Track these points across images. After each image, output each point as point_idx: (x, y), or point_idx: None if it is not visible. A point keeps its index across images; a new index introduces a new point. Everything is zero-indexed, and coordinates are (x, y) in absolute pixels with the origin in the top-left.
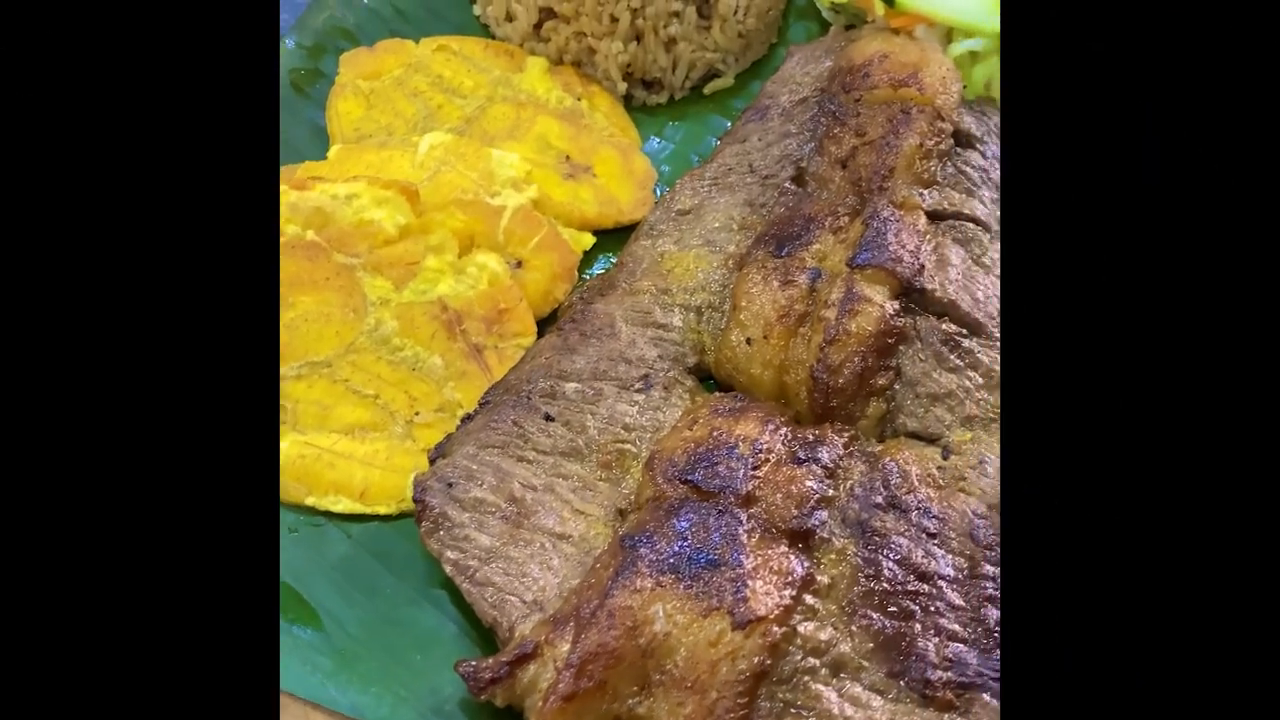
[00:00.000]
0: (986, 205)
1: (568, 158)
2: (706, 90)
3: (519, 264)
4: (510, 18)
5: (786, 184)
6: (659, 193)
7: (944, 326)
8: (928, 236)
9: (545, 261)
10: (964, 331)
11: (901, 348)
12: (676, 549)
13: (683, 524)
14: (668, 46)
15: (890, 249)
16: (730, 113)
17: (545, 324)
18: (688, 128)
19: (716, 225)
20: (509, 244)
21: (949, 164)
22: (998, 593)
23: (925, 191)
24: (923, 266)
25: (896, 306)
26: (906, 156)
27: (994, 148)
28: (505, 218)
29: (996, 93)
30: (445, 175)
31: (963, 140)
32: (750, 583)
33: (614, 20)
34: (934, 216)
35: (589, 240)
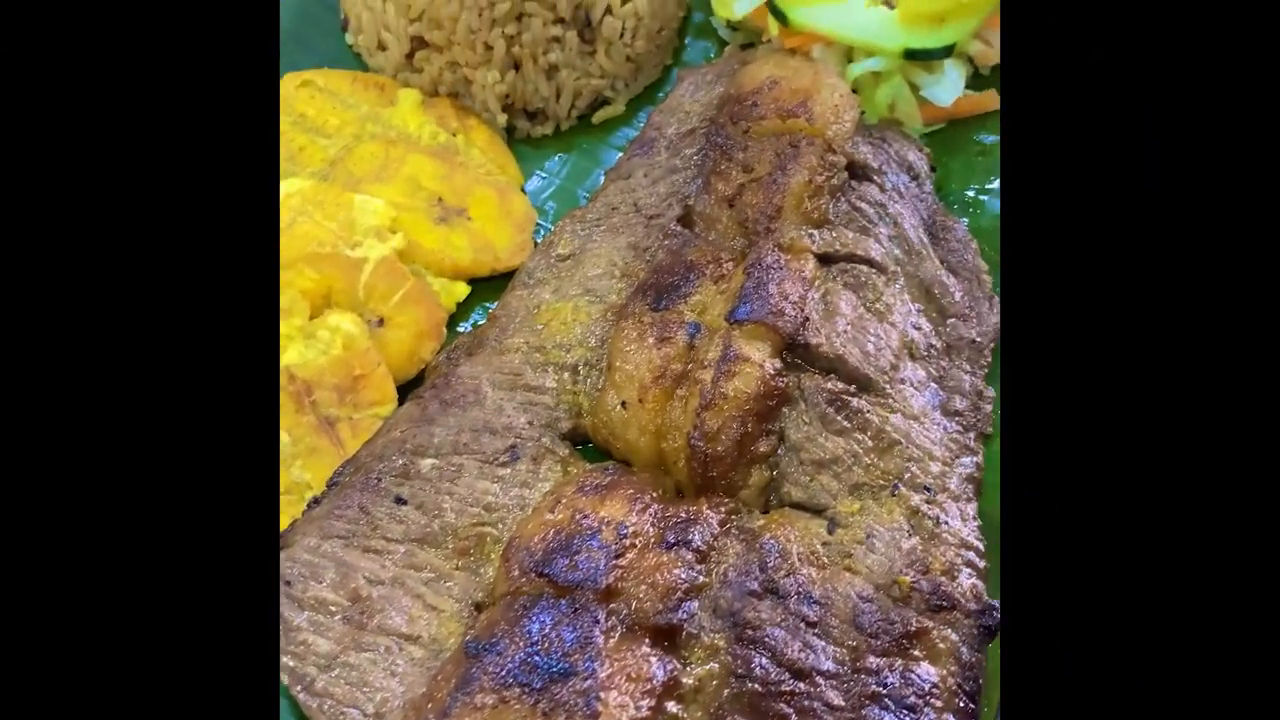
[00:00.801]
0: (883, 244)
1: (440, 200)
2: (595, 119)
3: (381, 322)
4: (382, 47)
5: (673, 225)
6: (540, 235)
7: (829, 385)
8: (815, 283)
9: (410, 318)
10: (852, 389)
11: (785, 409)
12: (524, 656)
13: (534, 626)
14: (549, 74)
15: (771, 301)
16: (622, 143)
17: (411, 386)
18: (575, 161)
19: (598, 272)
20: (370, 300)
21: (842, 200)
22: (881, 688)
23: (815, 232)
24: (807, 319)
25: (778, 365)
26: (795, 194)
27: (893, 178)
28: (366, 271)
29: (901, 114)
30: (301, 226)
31: (858, 173)
32: (604, 694)
33: (488, 48)
34: (824, 259)
35: (463, 291)
